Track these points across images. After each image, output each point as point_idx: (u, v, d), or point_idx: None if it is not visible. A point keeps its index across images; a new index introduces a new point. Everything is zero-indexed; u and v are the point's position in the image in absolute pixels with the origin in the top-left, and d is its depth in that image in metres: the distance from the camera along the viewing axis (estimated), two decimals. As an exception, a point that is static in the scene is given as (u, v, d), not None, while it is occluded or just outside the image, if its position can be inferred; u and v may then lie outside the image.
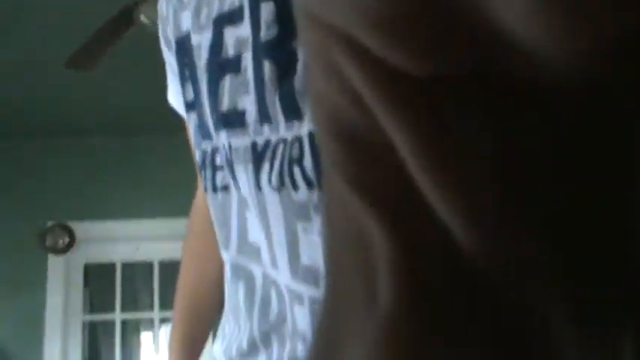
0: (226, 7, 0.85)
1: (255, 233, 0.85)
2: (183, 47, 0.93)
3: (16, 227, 4.18)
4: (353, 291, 0.21)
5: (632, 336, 0.20)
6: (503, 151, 0.19)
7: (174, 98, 1.05)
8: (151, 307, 4.50)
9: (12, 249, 4.14)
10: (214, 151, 0.90)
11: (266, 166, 0.80)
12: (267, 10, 0.78)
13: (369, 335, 0.20)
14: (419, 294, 0.19)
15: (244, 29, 0.82)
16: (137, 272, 4.80)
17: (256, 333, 0.86)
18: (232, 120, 0.84)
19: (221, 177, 0.90)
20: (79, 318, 4.24)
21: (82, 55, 2.87)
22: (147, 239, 4.33)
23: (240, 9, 0.82)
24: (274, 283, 0.83)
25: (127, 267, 4.49)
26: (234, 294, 0.91)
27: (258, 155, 0.82)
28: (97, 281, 4.70)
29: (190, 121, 0.94)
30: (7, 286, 4.06)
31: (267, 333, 0.85)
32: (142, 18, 2.76)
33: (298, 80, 0.76)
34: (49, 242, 4.16)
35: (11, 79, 3.59)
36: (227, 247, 0.90)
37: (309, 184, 0.76)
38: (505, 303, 0.19)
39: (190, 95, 0.92)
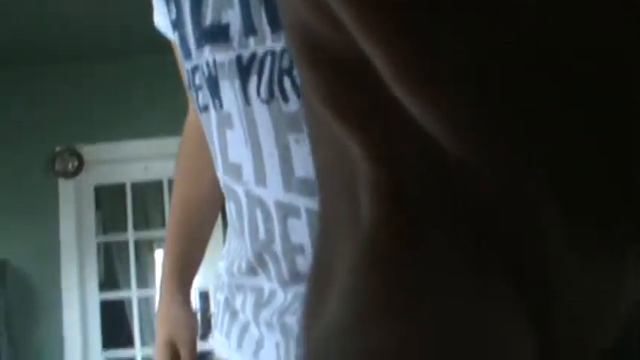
0: None
1: (236, 152, 0.84)
2: None
3: (25, 154, 4.18)
4: (340, 212, 0.21)
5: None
6: (481, 56, 0.18)
7: (160, 18, 1.03)
8: (163, 225, 4.54)
9: (22, 176, 4.16)
10: (194, 70, 0.88)
11: (254, 79, 0.79)
12: None
13: (352, 255, 0.20)
14: (398, 210, 0.19)
15: None
16: (147, 191, 4.83)
17: (250, 254, 0.86)
18: (215, 34, 0.82)
19: (201, 97, 0.89)
20: (92, 240, 4.30)
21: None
22: (155, 158, 4.33)
23: None
24: (259, 201, 0.83)
25: (137, 187, 4.51)
26: (229, 214, 0.91)
27: (244, 69, 0.80)
28: (108, 202, 4.74)
29: (175, 40, 0.92)
30: (21, 213, 4.10)
31: (260, 253, 0.85)
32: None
33: None
34: (58, 167, 4.17)
35: (10, 4, 3.54)
36: (216, 167, 0.90)
37: (300, 94, 0.69)
38: (494, 210, 0.19)
39: (173, 15, 0.90)
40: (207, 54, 0.84)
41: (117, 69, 4.34)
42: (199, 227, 1.19)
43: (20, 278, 4.01)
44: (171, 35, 0.97)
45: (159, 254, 5.58)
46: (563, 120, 0.18)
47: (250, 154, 0.82)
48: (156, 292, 5.09)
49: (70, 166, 4.19)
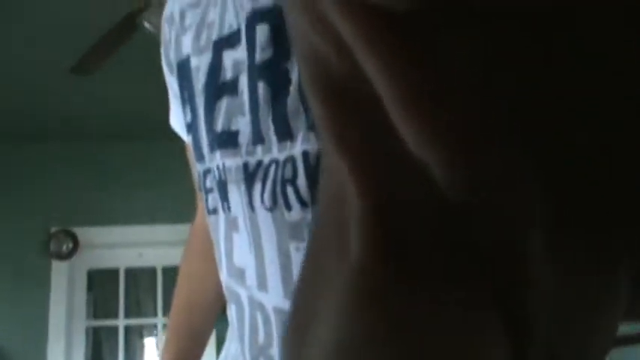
0: (226, 31, 0.86)
1: (241, 256, 0.85)
2: (184, 70, 0.94)
3: (20, 233, 4.18)
4: (329, 245, 0.21)
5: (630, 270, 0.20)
6: (486, 92, 0.18)
7: (176, 120, 1.07)
8: (154, 313, 4.50)
9: (16, 254, 4.15)
10: (206, 173, 0.90)
11: (258, 187, 0.80)
12: (262, 33, 0.79)
13: (339, 288, 0.20)
14: (387, 244, 0.19)
15: (241, 52, 0.82)
16: (140, 278, 4.80)
17: (248, 358, 0.86)
18: (225, 140, 0.84)
19: (211, 199, 0.90)
20: (82, 323, 4.25)
21: (87, 60, 2.88)
22: (150, 245, 4.33)
23: (238, 32, 0.83)
24: (260, 306, 0.83)
25: (131, 273, 4.49)
26: (230, 318, 0.92)
27: (249, 175, 0.82)
28: (101, 287, 4.70)
29: (189, 142, 0.95)
30: (11, 291, 4.07)
31: (257, 357, 0.85)
32: (146, 25, 2.76)
33: (291, 100, 0.75)
34: (52, 248, 4.16)
35: (15, 81, 3.60)
36: (220, 269, 0.91)
37: (302, 203, 0.75)
38: (486, 245, 0.19)
39: (188, 118, 0.93)
40: (218, 158, 0.86)
41: (117, 152, 4.38)
42: (200, 331, 1.20)
43: (5, 358, 3.94)
44: (186, 137, 1.00)
45: (148, 342, 5.50)
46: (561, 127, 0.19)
47: (254, 259, 0.83)
48: (142, 380, 5.00)
49: (64, 247, 4.18)
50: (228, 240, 0.87)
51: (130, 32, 2.84)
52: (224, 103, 0.85)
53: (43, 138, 4.28)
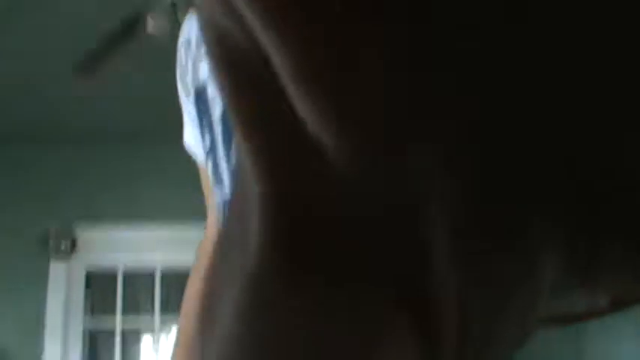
0: None
1: None
2: (202, 97, 0.97)
3: (18, 231, 4.17)
4: (234, 236, 0.21)
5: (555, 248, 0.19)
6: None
7: (190, 141, 1.10)
8: (152, 314, 4.49)
9: (14, 253, 4.14)
10: (225, 203, 0.94)
11: None
12: None
13: (238, 280, 0.19)
14: (285, 233, 0.18)
15: None
16: (139, 278, 4.78)
17: None
18: None
19: None
20: (79, 322, 4.24)
21: (89, 64, 2.89)
22: (149, 245, 4.32)
23: None
24: None
25: (129, 273, 4.48)
26: None
27: None
28: (99, 287, 4.69)
29: (208, 167, 0.98)
30: (8, 290, 4.05)
31: None
32: (149, 28, 2.77)
33: None
34: (51, 247, 4.15)
35: (15, 82, 3.60)
36: None
37: None
38: (382, 224, 0.18)
39: (207, 144, 0.97)
40: None
41: (116, 153, 4.37)
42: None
43: (1, 357, 3.93)
44: (199, 159, 1.05)
45: (146, 343, 5.48)
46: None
47: None
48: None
49: (62, 247, 4.17)
50: None
51: (134, 34, 2.85)
52: None
53: (41, 138, 4.27)
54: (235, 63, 0.19)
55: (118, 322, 4.39)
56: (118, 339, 4.38)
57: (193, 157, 1.13)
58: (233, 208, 0.21)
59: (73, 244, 4.18)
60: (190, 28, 1.01)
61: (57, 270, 4.16)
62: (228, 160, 0.90)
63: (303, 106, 0.18)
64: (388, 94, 0.17)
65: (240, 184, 0.20)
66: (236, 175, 0.21)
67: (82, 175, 4.34)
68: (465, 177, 0.18)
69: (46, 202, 4.26)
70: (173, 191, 4.28)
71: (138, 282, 4.73)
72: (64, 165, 4.35)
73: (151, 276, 4.48)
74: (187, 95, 1.03)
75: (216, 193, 0.97)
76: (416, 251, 0.18)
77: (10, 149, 4.31)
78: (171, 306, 4.69)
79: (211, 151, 0.95)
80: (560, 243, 0.19)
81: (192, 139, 1.09)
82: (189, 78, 1.00)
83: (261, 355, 0.18)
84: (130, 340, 5.04)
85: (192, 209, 4.16)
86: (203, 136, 0.98)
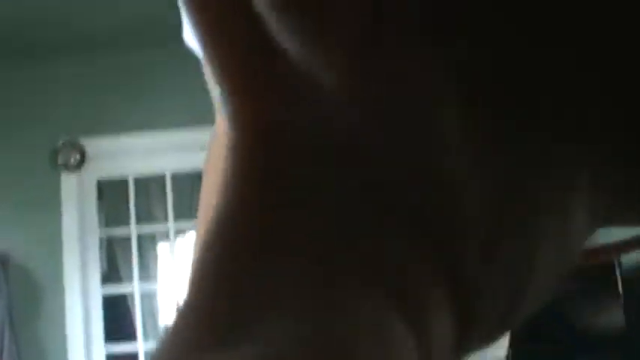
0: None
1: None
2: None
3: (27, 146, 4.18)
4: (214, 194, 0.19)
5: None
6: None
7: (191, 38, 1.04)
8: (166, 220, 4.54)
9: (24, 168, 4.15)
10: None
11: None
12: None
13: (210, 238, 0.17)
14: (259, 186, 0.17)
15: None
16: (150, 185, 4.82)
17: None
18: None
19: None
20: (95, 234, 4.30)
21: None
22: (158, 152, 4.33)
23: None
24: None
25: (140, 181, 4.51)
26: None
27: None
28: (111, 196, 4.73)
29: None
30: (23, 206, 4.09)
31: None
32: None
33: None
34: (60, 160, 4.17)
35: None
36: None
37: None
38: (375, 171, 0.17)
39: None
40: None
41: (122, 61, 4.33)
42: None
43: (22, 273, 4.01)
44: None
45: (162, 249, 5.58)
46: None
47: None
48: (158, 286, 5.10)
49: (72, 159, 4.18)
50: None
51: None
52: None
53: (48, 49, 4.23)
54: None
55: (133, 229, 4.44)
56: (134, 245, 4.44)
57: (194, 52, 1.09)
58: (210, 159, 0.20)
59: (83, 156, 4.19)
60: None
61: (68, 182, 4.19)
62: None
63: (287, 32, 0.16)
64: None
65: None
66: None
67: (87, 86, 4.31)
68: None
69: (53, 115, 4.25)
70: (181, 96, 4.25)
71: (149, 188, 4.77)
72: (70, 76, 4.32)
73: (162, 182, 4.51)
74: None
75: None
76: (440, 188, 0.16)
77: (15, 63, 4.27)
78: (184, 211, 4.74)
79: None
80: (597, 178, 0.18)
81: (189, 32, 1.04)
82: None
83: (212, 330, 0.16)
84: (146, 245, 5.13)
85: (199, 114, 4.16)
86: None
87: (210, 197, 1.18)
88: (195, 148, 4.29)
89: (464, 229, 0.16)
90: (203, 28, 0.17)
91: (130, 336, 4.45)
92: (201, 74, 1.12)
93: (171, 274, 4.65)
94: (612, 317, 3.17)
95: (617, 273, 3.16)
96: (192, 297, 0.16)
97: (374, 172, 0.16)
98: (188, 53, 1.15)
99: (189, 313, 0.16)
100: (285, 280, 0.16)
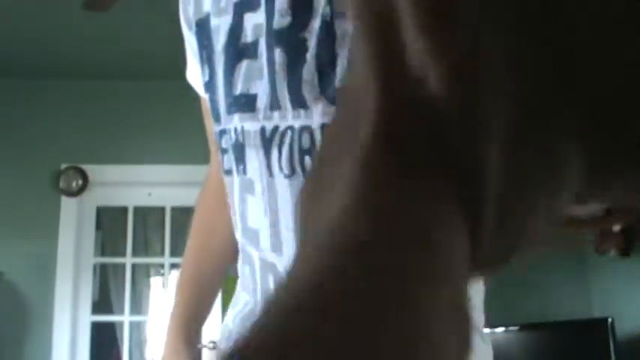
0: None
1: (255, 219, 0.91)
2: (203, 29, 0.96)
3: (30, 169, 4.20)
4: (344, 134, 0.25)
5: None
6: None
7: (193, 75, 1.10)
8: (162, 253, 4.54)
9: (26, 190, 4.17)
10: (222, 133, 0.95)
11: (275, 153, 0.86)
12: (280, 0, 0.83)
13: (348, 169, 0.23)
14: (391, 140, 0.23)
15: (260, 15, 0.86)
16: (149, 217, 4.82)
17: (257, 309, 0.88)
18: (243, 103, 0.89)
19: (226, 160, 0.95)
20: (90, 260, 4.29)
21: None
22: (160, 185, 4.35)
23: None
24: (272, 266, 0.90)
25: (139, 211, 4.51)
26: (242, 273, 0.98)
27: (267, 140, 0.87)
28: (109, 224, 4.74)
29: (207, 102, 0.99)
30: (21, 227, 4.10)
31: None
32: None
33: (307, 69, 0.81)
34: (62, 184, 4.18)
35: (26, 18, 3.58)
36: (235, 229, 0.97)
37: None
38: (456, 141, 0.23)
39: (206, 77, 0.97)
40: (237, 121, 0.90)
41: (129, 91, 4.37)
42: (210, 280, 1.21)
43: (13, 292, 4.00)
44: (202, 93, 1.04)
45: (155, 281, 5.55)
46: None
47: (268, 222, 0.89)
48: (148, 318, 5.07)
49: (74, 184, 4.20)
50: (243, 201, 0.93)
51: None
52: (244, 66, 0.88)
53: (55, 75, 4.27)
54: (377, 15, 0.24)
55: (128, 259, 4.44)
56: (128, 276, 4.44)
57: (196, 90, 1.12)
58: (347, 102, 0.26)
59: (85, 182, 4.21)
60: None
61: (68, 207, 4.20)
62: (227, 95, 0.91)
63: (416, 44, 0.23)
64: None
65: (352, 96, 0.26)
66: (349, 88, 0.27)
67: (94, 113, 4.34)
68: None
69: (57, 140, 4.27)
70: (185, 131, 4.28)
71: (148, 220, 4.78)
72: (75, 103, 4.36)
73: (161, 215, 4.51)
74: (189, 28, 1.02)
75: (215, 129, 0.97)
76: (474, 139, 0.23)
77: (23, 86, 4.32)
78: (181, 245, 4.74)
79: (210, 84, 0.95)
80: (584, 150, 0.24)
81: (193, 72, 1.08)
82: (191, 9, 1.00)
83: (372, 224, 0.22)
84: (140, 277, 5.11)
85: (203, 150, 4.19)
86: (202, 70, 0.98)
87: (203, 216, 1.20)
88: (198, 185, 4.31)
89: (486, 180, 0.23)
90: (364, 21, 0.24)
91: (115, 365, 4.42)
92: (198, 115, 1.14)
93: (161, 307, 4.63)
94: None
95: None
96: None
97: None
98: (194, 91, 1.17)
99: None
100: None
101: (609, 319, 3.52)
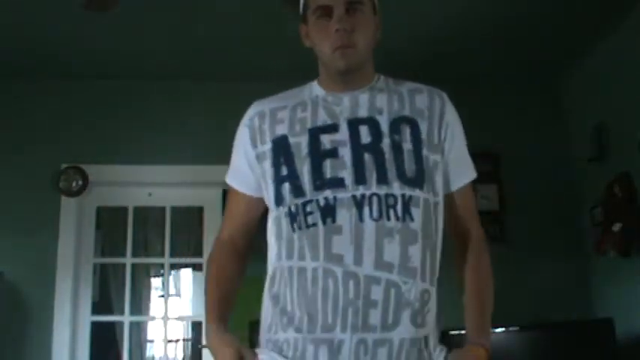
0: (319, 123, 1.57)
1: (340, 248, 1.45)
2: (280, 144, 1.58)
3: (31, 169, 4.20)
4: None
5: None
6: None
7: (239, 181, 1.71)
8: (162, 253, 4.53)
9: (26, 190, 4.17)
10: (306, 203, 1.50)
11: (367, 208, 1.46)
12: (363, 129, 1.55)
13: None
14: None
15: (341, 136, 1.54)
16: (149, 217, 4.83)
17: (340, 309, 1.43)
18: (335, 183, 1.49)
19: (310, 219, 1.49)
20: (90, 260, 4.29)
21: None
22: (160, 185, 4.34)
23: (334, 126, 1.56)
24: (354, 275, 1.43)
25: (139, 212, 4.51)
26: (313, 290, 1.47)
27: (358, 203, 1.47)
28: (109, 224, 4.74)
29: (282, 188, 1.55)
30: (21, 227, 4.10)
31: (346, 308, 1.42)
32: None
33: (388, 163, 1.50)
34: (62, 184, 4.18)
35: (27, 19, 3.58)
36: (317, 258, 1.47)
37: (397, 218, 1.47)
38: None
39: (284, 172, 1.55)
40: (329, 193, 1.48)
41: (130, 92, 4.37)
42: (231, 299, 1.66)
43: (13, 292, 3.99)
44: (254, 189, 1.68)
45: (155, 281, 5.56)
46: None
47: (353, 249, 1.45)
48: (148, 317, 5.07)
49: (74, 184, 4.19)
50: (328, 240, 1.46)
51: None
52: (328, 162, 1.51)
53: (55, 75, 4.27)
54: None
55: (128, 259, 4.42)
56: (128, 276, 4.42)
57: (237, 188, 1.72)
58: None
59: (85, 182, 4.20)
60: (261, 106, 1.68)
61: (68, 207, 4.20)
62: (316, 179, 1.50)
63: None
64: None
65: None
66: None
67: (94, 113, 4.35)
68: None
69: (57, 140, 4.28)
70: (186, 132, 4.29)
71: (148, 220, 4.79)
72: (76, 103, 4.36)
73: (161, 215, 4.51)
74: (262, 143, 1.62)
75: (273, 210, 1.58)
76: None
77: (23, 86, 4.32)
78: (181, 245, 4.74)
79: (291, 175, 1.53)
80: None
81: (240, 178, 1.70)
82: (267, 133, 1.61)
83: None
84: (140, 277, 5.12)
85: (202, 152, 4.19)
86: (278, 168, 1.56)
87: (220, 269, 1.69)
88: (198, 185, 4.32)
89: None
90: None
91: (116, 365, 4.43)
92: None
93: (161, 307, 4.63)
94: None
95: None
96: None
97: None
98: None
99: None
100: None
101: (610, 320, 3.51)
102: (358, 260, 1.43)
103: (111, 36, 3.79)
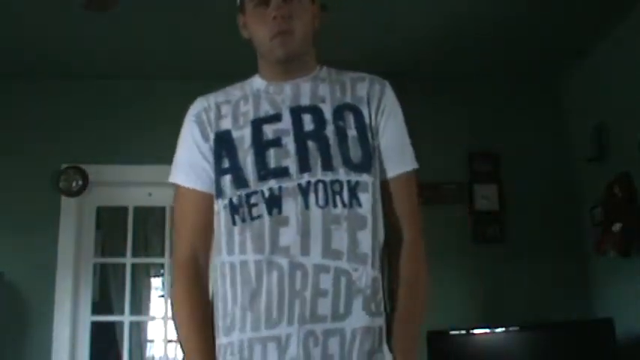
0: (262, 114, 1.56)
1: (287, 239, 1.42)
2: (223, 137, 1.56)
3: (31, 169, 4.20)
4: None
5: None
6: None
7: (193, 177, 1.66)
8: (162, 253, 4.54)
9: (26, 190, 4.17)
10: (250, 194, 1.47)
11: (312, 196, 1.44)
12: (306, 117, 1.54)
13: None
14: None
15: (284, 125, 1.53)
16: (149, 217, 4.82)
17: (286, 302, 1.38)
18: (279, 172, 1.47)
19: (255, 210, 1.46)
20: (90, 260, 4.28)
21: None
22: (160, 185, 4.33)
23: (276, 116, 1.55)
24: (301, 265, 1.40)
25: (139, 211, 4.51)
26: (260, 282, 1.42)
27: (304, 190, 1.45)
28: (109, 224, 4.74)
29: (222, 180, 1.52)
30: (21, 227, 4.10)
31: (291, 301, 1.38)
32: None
33: (332, 149, 1.48)
34: (62, 184, 4.18)
35: (26, 18, 3.58)
36: (262, 251, 1.43)
37: (344, 205, 1.45)
38: None
39: (226, 164, 1.53)
40: (273, 183, 1.46)
41: (130, 91, 4.37)
42: (206, 324, 1.54)
43: (13, 292, 3.99)
44: (191, 185, 1.67)
45: (155, 281, 5.55)
46: None
47: (300, 239, 1.42)
48: (148, 317, 5.07)
49: (74, 184, 4.20)
50: (275, 233, 1.43)
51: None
52: (271, 152, 1.49)
53: (55, 75, 4.27)
54: None
55: (128, 259, 4.42)
56: (128, 276, 4.42)
57: (191, 186, 1.68)
58: None
59: (85, 182, 4.20)
60: (207, 100, 1.70)
61: (68, 206, 4.20)
62: (261, 169, 1.47)
63: None
64: None
65: None
66: None
67: (94, 113, 4.34)
68: None
69: (57, 140, 4.28)
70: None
71: (148, 220, 4.78)
72: (75, 103, 4.36)
73: (161, 215, 4.51)
74: (205, 140, 1.60)
75: (234, 194, 1.49)
76: None
77: (22, 86, 4.32)
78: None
79: (233, 167, 1.50)
80: None
81: (186, 174, 1.70)
82: (209, 128, 1.61)
83: None
84: (140, 277, 5.12)
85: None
86: (220, 161, 1.53)
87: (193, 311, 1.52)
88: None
89: None
90: None
91: (116, 365, 4.42)
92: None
93: (161, 307, 4.63)
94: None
95: None
96: None
97: None
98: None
99: None
100: None
101: (610, 320, 3.51)
102: (305, 250, 1.41)
103: (111, 36, 3.79)
